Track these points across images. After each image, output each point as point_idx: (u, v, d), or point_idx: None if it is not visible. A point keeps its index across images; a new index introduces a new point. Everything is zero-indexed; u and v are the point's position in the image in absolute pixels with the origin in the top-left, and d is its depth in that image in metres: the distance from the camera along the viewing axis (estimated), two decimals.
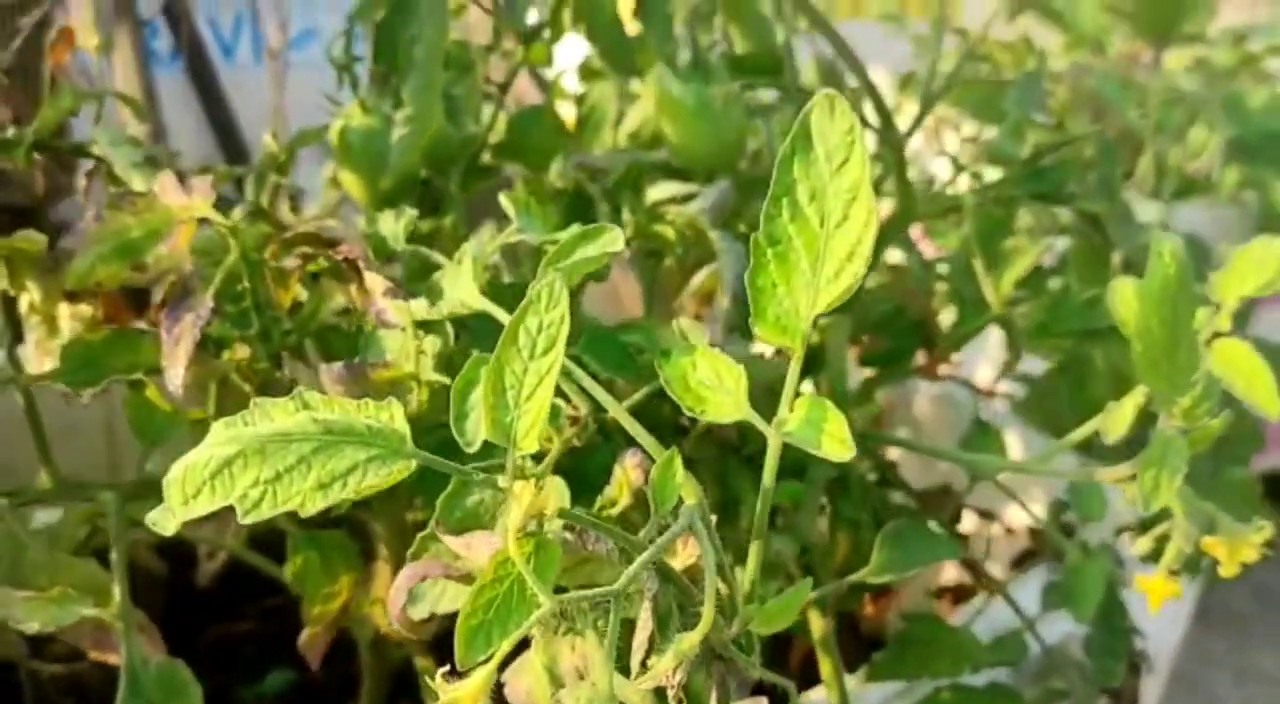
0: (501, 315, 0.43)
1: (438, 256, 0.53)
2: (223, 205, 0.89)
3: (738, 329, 0.66)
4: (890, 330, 0.90)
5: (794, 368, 0.38)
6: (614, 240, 0.41)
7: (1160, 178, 1.87)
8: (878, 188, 0.80)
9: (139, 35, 1.43)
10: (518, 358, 0.32)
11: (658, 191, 0.72)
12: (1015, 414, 1.01)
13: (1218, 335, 0.49)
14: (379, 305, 0.46)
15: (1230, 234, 1.88)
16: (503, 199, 0.50)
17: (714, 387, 0.39)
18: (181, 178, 0.49)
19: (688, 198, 0.79)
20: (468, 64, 0.86)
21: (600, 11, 0.88)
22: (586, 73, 0.99)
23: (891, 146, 0.73)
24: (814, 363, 0.84)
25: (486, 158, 0.89)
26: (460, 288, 0.46)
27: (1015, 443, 1.07)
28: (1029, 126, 0.74)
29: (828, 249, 0.38)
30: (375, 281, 0.46)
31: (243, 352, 0.50)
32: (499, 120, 0.86)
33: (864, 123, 0.71)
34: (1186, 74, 2.09)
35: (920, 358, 0.96)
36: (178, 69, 2.13)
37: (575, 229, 0.42)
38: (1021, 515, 0.95)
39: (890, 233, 0.79)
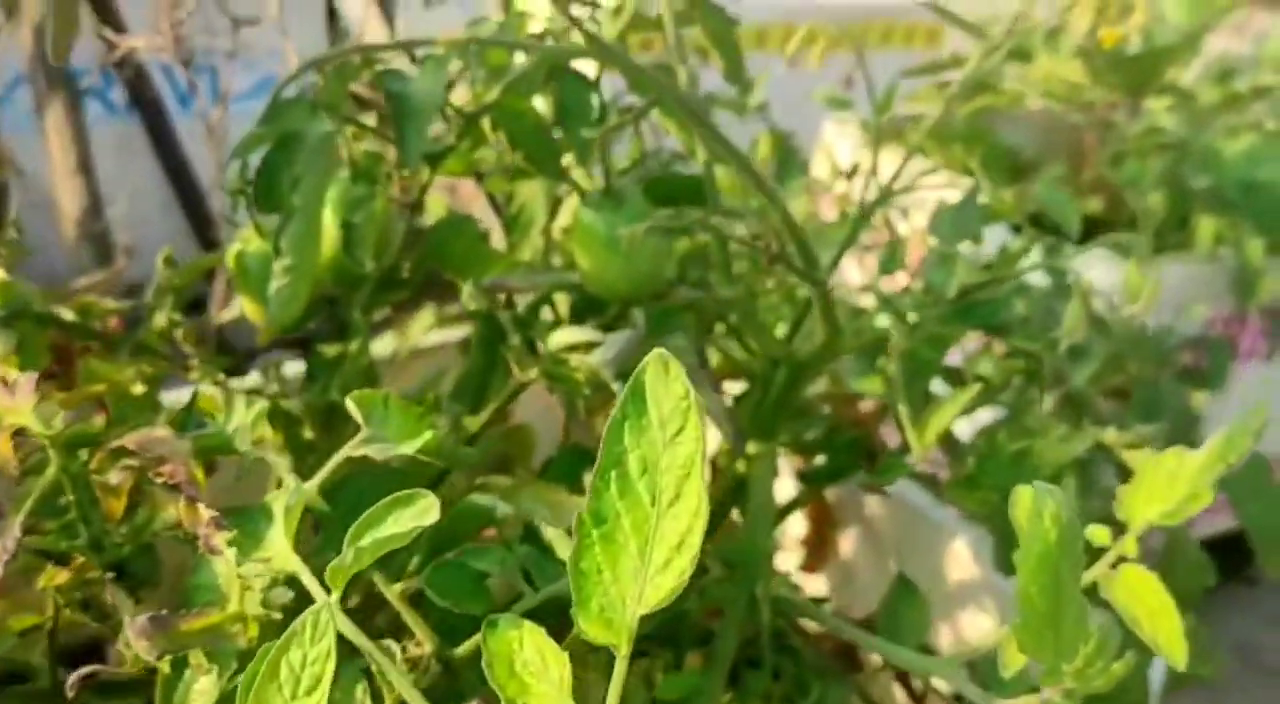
0: (316, 589, 0.38)
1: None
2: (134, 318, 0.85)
3: None
4: (829, 448, 0.86)
5: (619, 672, 0.34)
6: (428, 510, 0.36)
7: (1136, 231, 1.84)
8: (798, 327, 0.76)
9: (76, 105, 1.39)
10: (278, 697, 0.28)
11: (562, 336, 0.67)
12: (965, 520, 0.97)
13: (1121, 560, 0.45)
14: (204, 532, 0.42)
15: (1207, 292, 1.84)
16: (350, 403, 0.46)
17: (538, 674, 0.35)
18: (4, 381, 0.45)
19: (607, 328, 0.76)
20: (376, 176, 0.82)
21: (521, 119, 0.83)
22: (515, 172, 0.95)
23: (815, 283, 0.69)
24: (739, 492, 0.80)
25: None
26: (274, 544, 0.42)
27: (964, 550, 1.03)
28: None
29: (658, 532, 0.33)
30: (199, 512, 0.42)
31: (62, 576, 0.46)
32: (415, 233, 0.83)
33: (784, 261, 0.67)
34: (1169, 113, 2.05)
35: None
36: (133, 120, 2.09)
37: (387, 500, 0.37)
38: None
39: (814, 368, 0.75)
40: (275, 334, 0.65)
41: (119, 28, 1.48)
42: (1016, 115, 2.37)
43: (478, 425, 0.71)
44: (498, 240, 0.96)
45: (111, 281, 1.11)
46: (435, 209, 1.18)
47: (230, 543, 0.41)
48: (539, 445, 0.95)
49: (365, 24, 1.05)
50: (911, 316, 0.68)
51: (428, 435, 0.44)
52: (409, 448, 0.44)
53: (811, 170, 2.10)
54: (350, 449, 0.44)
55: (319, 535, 0.49)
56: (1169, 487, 0.45)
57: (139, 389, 0.68)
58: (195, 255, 2.20)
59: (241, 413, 0.50)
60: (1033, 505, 0.37)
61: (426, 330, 1.17)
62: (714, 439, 0.84)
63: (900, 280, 1.17)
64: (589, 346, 0.65)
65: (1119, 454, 0.69)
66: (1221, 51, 2.25)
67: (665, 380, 0.34)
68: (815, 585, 1.17)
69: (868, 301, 1.11)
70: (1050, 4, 1.04)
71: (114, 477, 0.46)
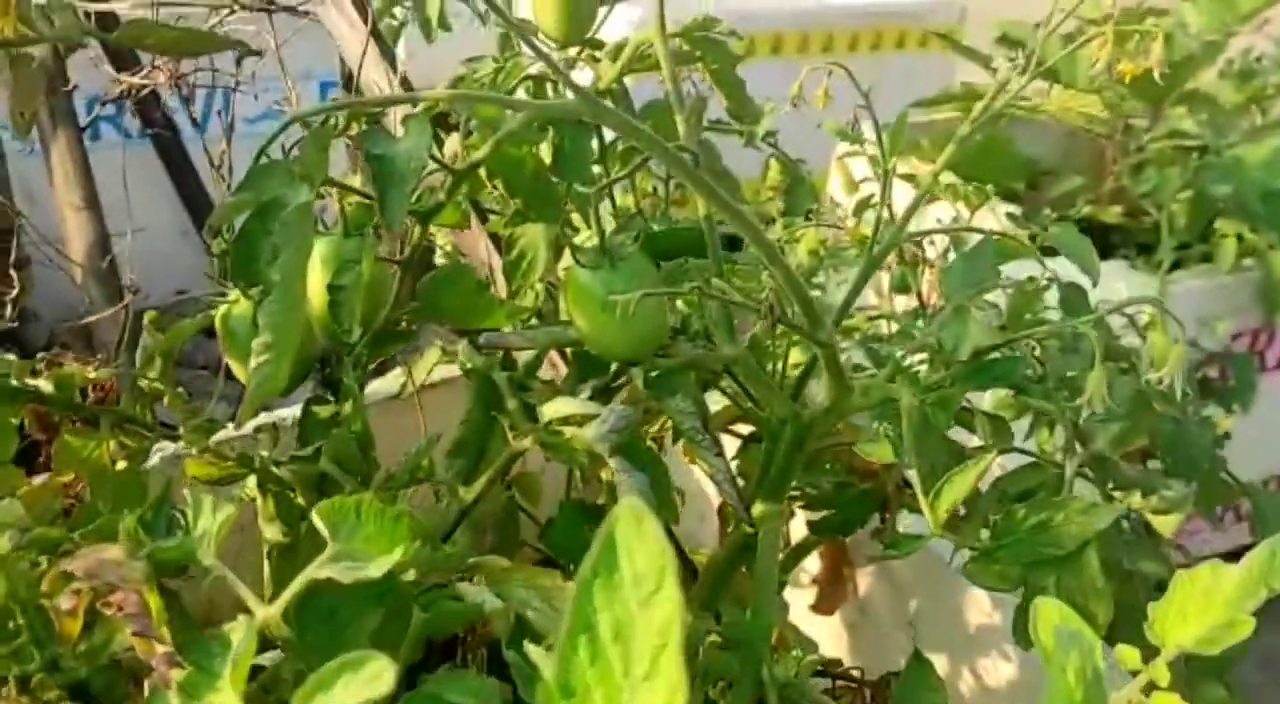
0: None
1: None
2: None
3: None
4: (838, 502, 0.83)
5: None
6: (379, 676, 0.34)
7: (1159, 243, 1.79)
8: (803, 384, 0.73)
9: (79, 140, 1.38)
10: None
11: (557, 407, 0.64)
12: None
13: (1152, 687, 0.42)
14: (158, 667, 0.39)
15: (1232, 306, 1.79)
16: (315, 516, 0.43)
17: None
18: None
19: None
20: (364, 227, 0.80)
21: (518, 167, 0.81)
22: (515, 216, 0.93)
23: (820, 346, 0.66)
24: (746, 552, 0.77)
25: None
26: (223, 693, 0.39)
27: (985, 594, 1.00)
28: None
29: None
30: (151, 646, 0.40)
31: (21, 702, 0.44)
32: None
33: (788, 322, 0.64)
34: (1191, 118, 2.01)
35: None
36: (149, 146, 2.09)
37: (338, 660, 0.35)
38: None
39: (821, 429, 0.72)
40: (255, 413, 0.62)
41: (127, 59, 1.46)
42: (1035, 122, 2.32)
43: (472, 496, 0.68)
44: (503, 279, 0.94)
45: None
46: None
47: (181, 685, 0.38)
48: (548, 488, 0.93)
49: (363, 62, 1.02)
50: (922, 374, 0.65)
51: (397, 555, 0.42)
52: (379, 567, 0.41)
53: (828, 186, 2.07)
54: (313, 571, 0.41)
55: (282, 661, 0.46)
56: (1204, 608, 0.41)
57: (121, 465, 0.66)
58: (213, 284, 2.20)
59: (208, 516, 0.47)
60: (1057, 648, 0.33)
61: (434, 366, 1.14)
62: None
63: (922, 296, 1.13)
64: (586, 417, 0.62)
65: (1146, 516, 0.66)
66: (1243, 49, 2.20)
67: (639, 534, 0.31)
68: (830, 624, 1.14)
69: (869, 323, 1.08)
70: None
71: (64, 601, 0.44)
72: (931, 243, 1.17)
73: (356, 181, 0.79)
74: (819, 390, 0.73)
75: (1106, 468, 0.67)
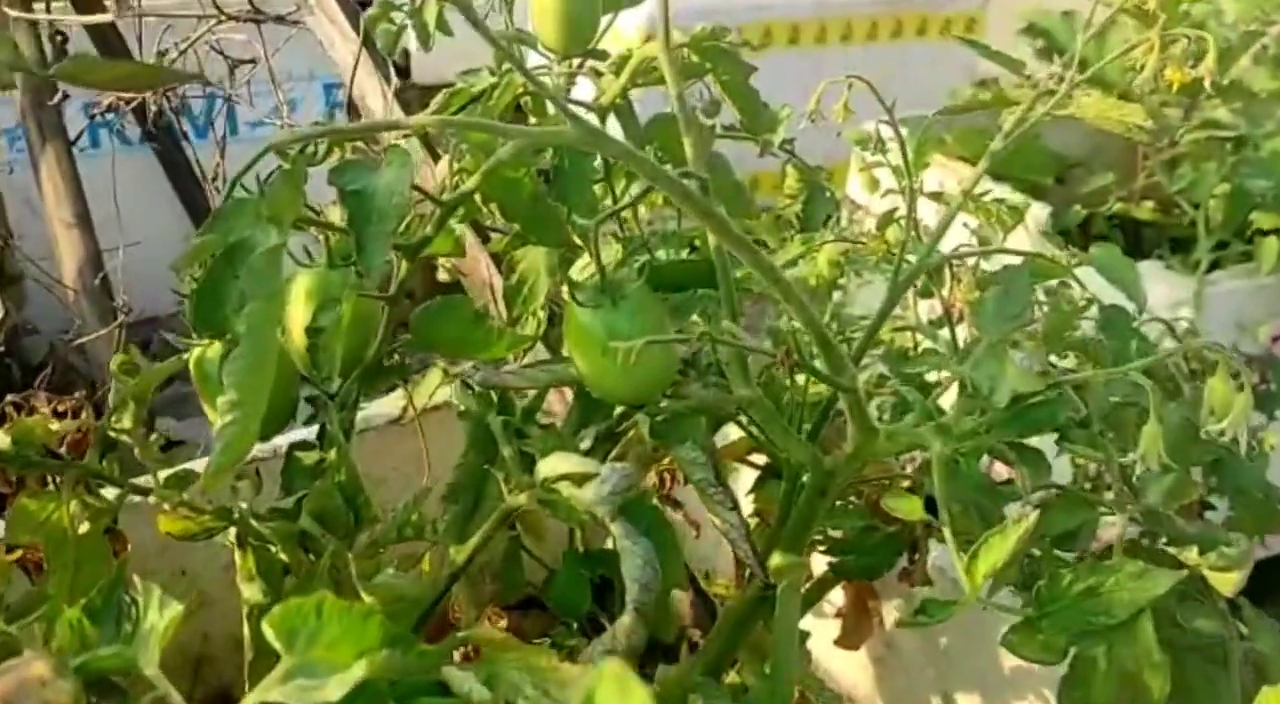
0: None
1: None
2: None
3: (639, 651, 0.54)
4: (863, 546, 0.78)
5: None
6: None
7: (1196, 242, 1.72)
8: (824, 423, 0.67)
9: (69, 156, 1.33)
10: None
11: (554, 465, 0.59)
12: None
13: None
14: None
15: (1273, 307, 1.72)
16: (266, 627, 0.38)
17: None
18: None
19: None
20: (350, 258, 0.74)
21: (515, 190, 0.75)
22: (515, 239, 0.87)
23: (844, 391, 0.60)
24: (765, 602, 0.72)
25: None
26: None
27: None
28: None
29: None
30: None
31: None
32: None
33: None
34: (1226, 109, 1.93)
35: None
36: (150, 152, 2.04)
37: None
38: None
39: (845, 476, 0.66)
40: (223, 478, 0.57)
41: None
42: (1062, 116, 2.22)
43: (465, 556, 0.63)
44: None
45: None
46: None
47: None
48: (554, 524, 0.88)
49: (355, 73, 0.97)
50: (953, 420, 0.59)
51: (361, 670, 0.36)
52: (341, 685, 0.36)
53: (846, 185, 2.00)
54: (262, 694, 0.36)
55: None
56: None
57: (84, 528, 0.61)
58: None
59: (155, 612, 0.42)
60: None
61: (435, 389, 1.09)
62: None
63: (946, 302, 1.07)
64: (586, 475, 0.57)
65: (1203, 573, 0.60)
66: (1277, 34, 2.11)
67: (621, 695, 0.26)
68: (855, 659, 1.08)
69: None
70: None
71: None
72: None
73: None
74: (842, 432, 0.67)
75: (1161, 522, 0.61)
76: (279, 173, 0.56)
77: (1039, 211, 1.68)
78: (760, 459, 0.90)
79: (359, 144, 0.78)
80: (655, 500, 0.93)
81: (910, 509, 0.60)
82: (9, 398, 0.73)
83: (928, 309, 1.13)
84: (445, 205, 0.65)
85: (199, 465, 1.01)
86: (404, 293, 0.70)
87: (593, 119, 0.81)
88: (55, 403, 0.75)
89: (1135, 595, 0.55)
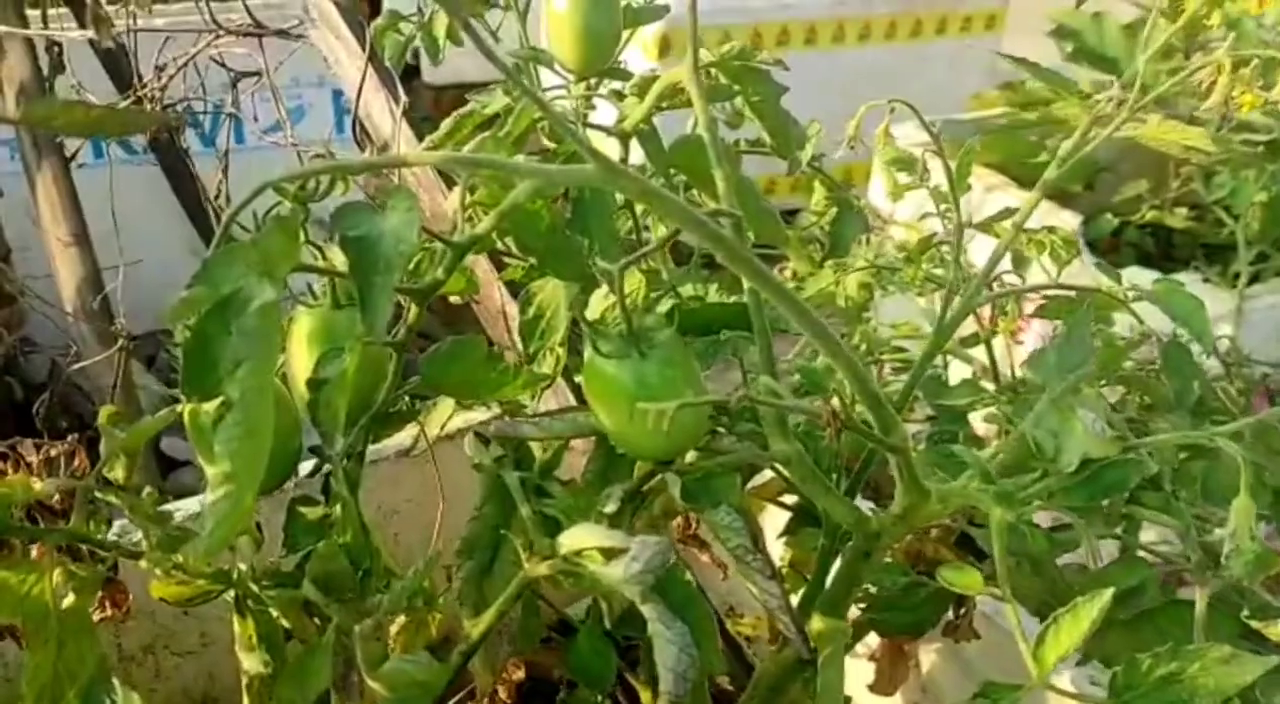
0: None
1: None
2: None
3: None
4: (904, 604, 0.72)
5: None
6: None
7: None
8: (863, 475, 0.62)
9: (66, 172, 1.28)
10: None
11: (577, 537, 0.54)
12: None
13: None
14: None
15: None
16: None
17: None
18: None
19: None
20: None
21: (532, 223, 0.70)
22: (530, 270, 0.82)
23: (892, 451, 0.55)
24: (803, 665, 0.67)
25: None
26: None
27: (1068, 682, 0.89)
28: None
29: None
30: None
31: None
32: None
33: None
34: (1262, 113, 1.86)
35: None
36: (153, 161, 1.99)
37: None
38: None
39: (894, 530, 0.61)
40: (215, 556, 0.52)
41: (127, 79, 1.37)
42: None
43: (481, 630, 0.58)
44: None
45: None
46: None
47: None
48: None
49: (360, 91, 0.92)
50: (1014, 484, 0.54)
51: None
52: None
53: (868, 189, 1.94)
54: None
55: None
56: None
57: (68, 601, 0.56)
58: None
59: None
60: None
61: (447, 418, 1.04)
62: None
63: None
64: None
65: None
66: None
67: None
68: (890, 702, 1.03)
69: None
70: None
71: None
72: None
73: None
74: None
75: (1245, 595, 0.56)
76: (273, 219, 0.51)
77: (1070, 220, 1.62)
78: (792, 497, 0.86)
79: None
80: (679, 540, 0.89)
81: (970, 584, 0.54)
82: None
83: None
84: (458, 248, 0.60)
85: (194, 512, 0.97)
86: (409, 342, 0.65)
87: (613, 146, 0.76)
88: (45, 449, 0.70)
89: (1221, 683, 0.50)
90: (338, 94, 2.03)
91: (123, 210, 1.49)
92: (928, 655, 0.99)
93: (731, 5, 2.84)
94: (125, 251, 1.37)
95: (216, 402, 0.51)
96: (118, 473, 0.66)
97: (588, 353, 0.60)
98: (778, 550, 0.84)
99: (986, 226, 0.80)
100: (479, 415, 1.18)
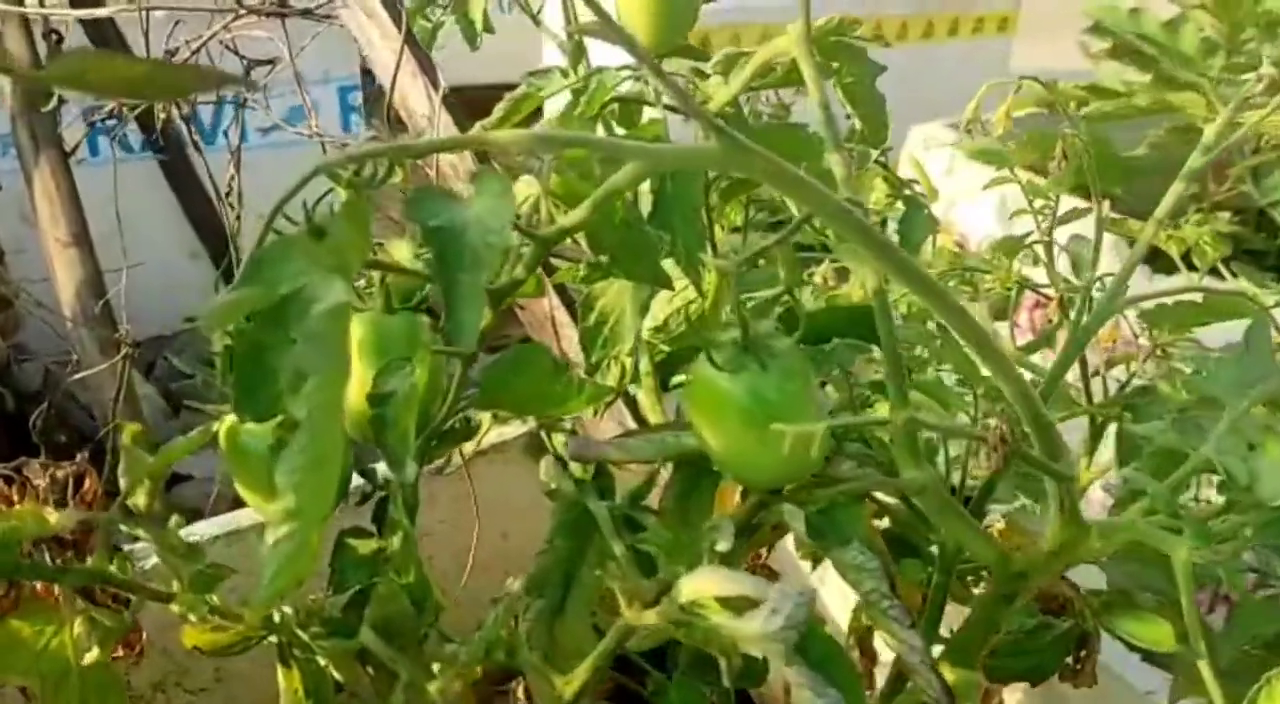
0: None
1: None
2: None
3: None
4: (1031, 648, 0.64)
5: None
6: None
7: None
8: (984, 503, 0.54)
9: (65, 169, 1.19)
10: None
11: (698, 585, 0.46)
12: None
13: None
14: None
15: None
16: None
17: None
18: None
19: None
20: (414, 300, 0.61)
21: (607, 215, 0.62)
22: (591, 271, 0.74)
23: (1060, 480, 0.47)
24: None
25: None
26: None
27: None
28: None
29: None
30: None
31: None
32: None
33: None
34: None
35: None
36: (151, 160, 1.91)
37: None
38: None
39: (1045, 569, 0.53)
40: (272, 606, 0.44)
41: None
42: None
43: (572, 691, 0.49)
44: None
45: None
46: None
47: None
48: None
49: (396, 75, 0.83)
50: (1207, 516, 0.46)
51: None
52: None
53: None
54: None
55: None
56: None
57: (91, 656, 0.47)
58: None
59: None
60: None
61: (484, 433, 0.95)
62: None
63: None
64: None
65: None
66: None
67: None
68: None
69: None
70: None
71: None
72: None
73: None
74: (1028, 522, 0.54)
75: None
76: (342, 206, 0.43)
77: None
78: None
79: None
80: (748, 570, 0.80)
81: (1159, 639, 0.47)
82: None
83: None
84: (542, 240, 0.52)
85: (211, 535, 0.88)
86: (479, 353, 0.57)
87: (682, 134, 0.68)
88: (52, 469, 0.62)
89: None
90: (344, 91, 1.95)
91: (119, 210, 1.41)
92: (1011, 694, 0.91)
93: (742, 5, 2.76)
94: (123, 255, 1.28)
95: (274, 422, 0.43)
96: (139, 501, 0.58)
97: (695, 366, 0.52)
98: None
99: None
100: (513, 430, 1.10)
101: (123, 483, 0.57)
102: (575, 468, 0.61)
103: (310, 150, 1.93)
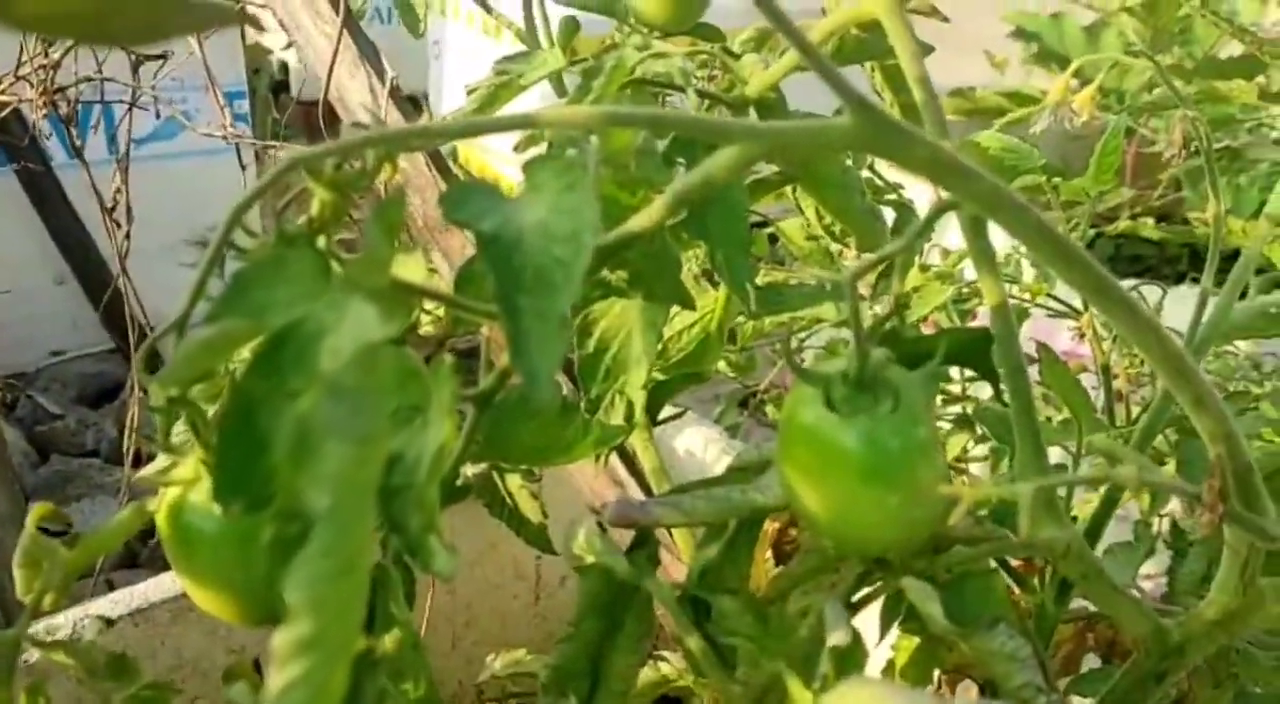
0: None
1: None
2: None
3: None
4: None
5: None
6: None
7: None
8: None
9: None
10: None
11: (848, 698, 0.35)
12: None
13: None
14: None
15: None
16: None
17: None
18: None
19: None
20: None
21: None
22: (591, 289, 0.62)
23: (1269, 539, 0.38)
24: None
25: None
26: None
27: None
28: None
29: None
30: None
31: None
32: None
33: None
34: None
35: None
36: (10, 176, 1.71)
37: None
38: None
39: (1209, 641, 0.44)
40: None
41: None
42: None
43: None
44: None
45: None
46: None
47: None
48: None
49: (334, 65, 0.71)
50: None
51: None
52: None
53: None
54: None
55: None
56: None
57: None
58: (97, 335, 1.81)
59: None
60: None
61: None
62: None
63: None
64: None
65: None
66: None
67: None
68: None
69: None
70: None
71: None
72: None
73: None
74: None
75: None
76: (373, 210, 0.31)
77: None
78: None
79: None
80: None
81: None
82: None
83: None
84: (602, 249, 0.40)
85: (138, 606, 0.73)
86: (494, 393, 0.45)
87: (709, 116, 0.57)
88: None
89: None
90: (231, 97, 1.78)
91: None
92: None
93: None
94: None
95: (268, 512, 0.31)
96: (46, 603, 0.44)
97: (789, 405, 0.41)
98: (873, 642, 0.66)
99: None
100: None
101: (21, 586, 0.43)
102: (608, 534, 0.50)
103: (194, 162, 1.77)
